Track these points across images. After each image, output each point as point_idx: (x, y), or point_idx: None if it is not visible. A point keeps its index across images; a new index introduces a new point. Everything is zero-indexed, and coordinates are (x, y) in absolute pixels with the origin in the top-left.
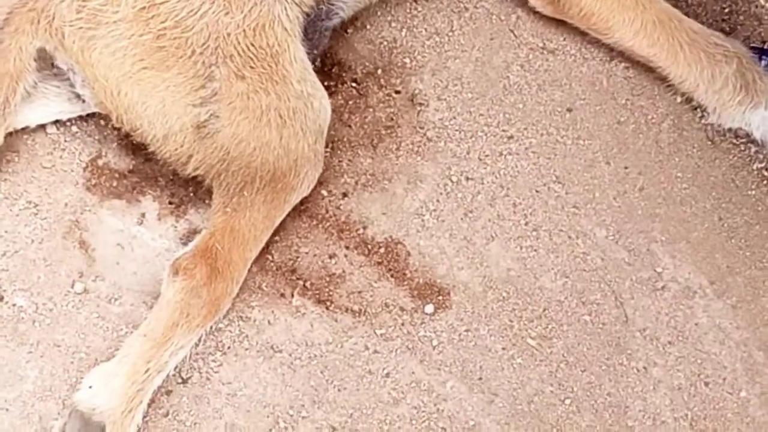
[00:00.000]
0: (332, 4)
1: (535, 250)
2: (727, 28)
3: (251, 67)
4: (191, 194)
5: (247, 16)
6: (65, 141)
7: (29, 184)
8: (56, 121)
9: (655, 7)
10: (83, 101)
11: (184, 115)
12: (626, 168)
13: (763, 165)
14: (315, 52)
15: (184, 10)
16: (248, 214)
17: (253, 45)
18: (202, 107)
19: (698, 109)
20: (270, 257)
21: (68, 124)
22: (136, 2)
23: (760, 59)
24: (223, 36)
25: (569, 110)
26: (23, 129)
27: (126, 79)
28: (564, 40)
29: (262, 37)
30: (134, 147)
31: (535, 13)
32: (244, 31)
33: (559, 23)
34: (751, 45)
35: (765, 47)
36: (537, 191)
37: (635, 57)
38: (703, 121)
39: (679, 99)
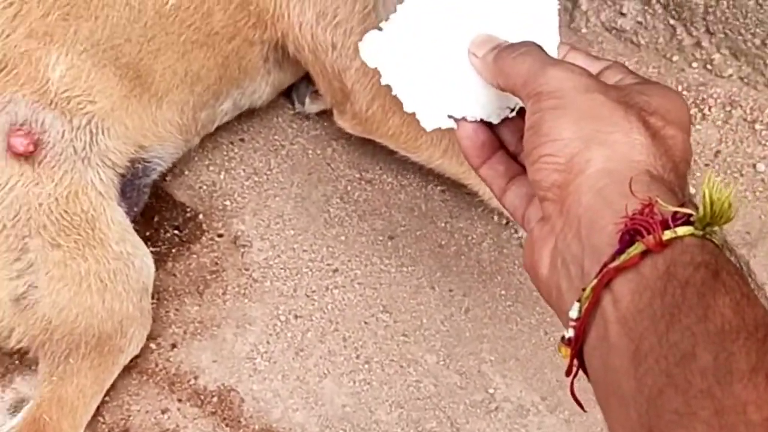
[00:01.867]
0: (148, 162)
1: (369, 383)
2: None
3: (66, 235)
4: (16, 362)
5: (59, 185)
6: None
7: None
8: None
9: None
10: None
11: (1, 289)
12: (451, 291)
13: None
14: (135, 209)
15: None
16: (75, 380)
17: (66, 212)
18: (18, 279)
19: (516, 227)
20: (101, 419)
21: None
22: None
23: None
24: (35, 207)
25: (391, 238)
26: None
27: None
28: (380, 169)
29: (76, 204)
30: None
31: (350, 144)
32: (56, 199)
33: (374, 153)
34: None
35: None
36: (366, 323)
37: (448, 176)
38: (520, 237)
39: (496, 218)
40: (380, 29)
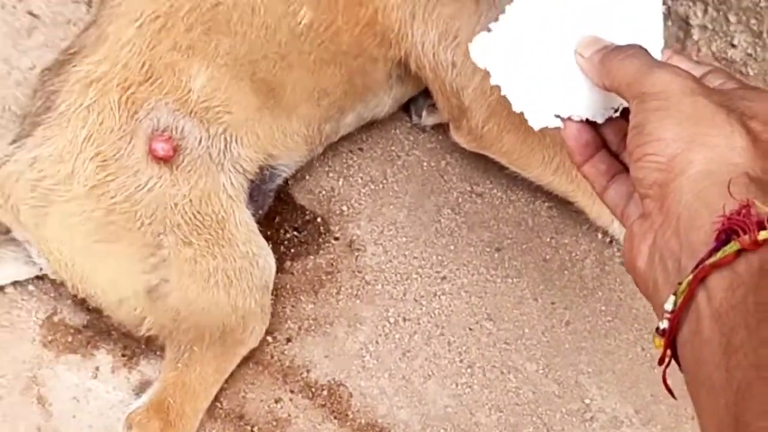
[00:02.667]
0: (275, 169)
1: (470, 387)
2: None
3: (198, 234)
4: (142, 346)
5: (194, 187)
6: (22, 300)
7: None
8: (13, 281)
9: None
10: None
11: (136, 281)
12: (553, 303)
13: None
14: (260, 212)
15: (132, 186)
16: (199, 368)
17: (199, 213)
18: (152, 273)
19: (620, 245)
20: (219, 404)
21: (25, 283)
22: (87, 180)
23: None
24: (171, 207)
25: (498, 249)
26: None
27: (79, 253)
28: (490, 183)
29: (208, 205)
30: (88, 303)
31: (463, 158)
32: (190, 200)
33: (486, 168)
34: None
35: None
36: (470, 329)
37: (556, 193)
38: (622, 255)
39: (600, 236)
40: (489, 30)
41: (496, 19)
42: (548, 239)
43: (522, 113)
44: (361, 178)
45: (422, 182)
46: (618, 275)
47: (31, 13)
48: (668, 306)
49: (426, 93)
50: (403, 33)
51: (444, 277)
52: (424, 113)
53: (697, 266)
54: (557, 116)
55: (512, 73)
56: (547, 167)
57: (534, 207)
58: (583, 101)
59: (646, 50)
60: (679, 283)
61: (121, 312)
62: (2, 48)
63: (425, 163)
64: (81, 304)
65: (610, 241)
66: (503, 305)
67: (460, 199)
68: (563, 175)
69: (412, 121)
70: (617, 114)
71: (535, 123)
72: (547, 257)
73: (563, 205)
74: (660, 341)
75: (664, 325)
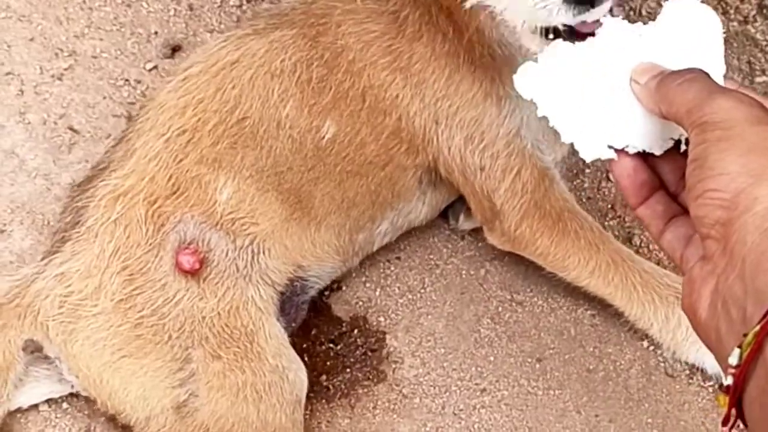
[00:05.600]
0: (306, 280)
1: None
2: None
3: (227, 347)
4: None
5: (221, 300)
6: (56, 417)
7: None
8: (47, 399)
9: (609, 248)
10: None
11: (164, 397)
12: (597, 416)
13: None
14: (293, 325)
15: (160, 299)
16: None
17: (227, 326)
18: (181, 388)
19: (665, 355)
20: None
21: (59, 400)
22: (114, 295)
23: None
24: (198, 320)
25: (539, 360)
26: (16, 409)
27: (107, 368)
28: (531, 291)
29: (237, 318)
30: None
31: (503, 265)
32: (218, 313)
33: (526, 275)
34: None
35: None
36: None
37: (595, 295)
38: (667, 364)
39: (646, 344)
40: (536, 60)
41: (541, 50)
42: (591, 349)
43: (572, 144)
44: (399, 287)
45: (461, 291)
46: (664, 385)
47: (71, 129)
48: (733, 360)
49: (463, 198)
50: (428, 139)
51: (484, 390)
52: (461, 218)
53: (765, 316)
54: (610, 147)
55: (561, 103)
56: (584, 269)
57: (576, 315)
58: (638, 131)
59: (706, 74)
60: (745, 335)
61: (150, 429)
62: (43, 163)
63: (464, 272)
64: (114, 420)
65: (655, 350)
66: (545, 418)
67: (500, 308)
68: (600, 278)
69: (450, 225)
70: (681, 145)
71: (587, 154)
72: (591, 367)
73: (606, 313)
74: (724, 399)
75: (729, 381)
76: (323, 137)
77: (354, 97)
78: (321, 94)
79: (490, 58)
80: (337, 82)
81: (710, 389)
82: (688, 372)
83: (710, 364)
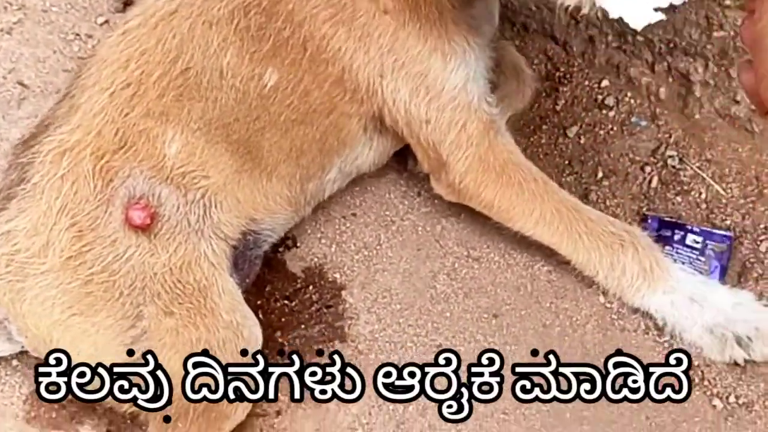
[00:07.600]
0: (259, 234)
1: None
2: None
3: (179, 303)
4: (128, 421)
5: (173, 255)
6: (6, 375)
7: None
8: None
9: (553, 198)
10: None
11: (116, 355)
12: None
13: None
14: (247, 281)
15: (110, 255)
16: None
17: (179, 282)
18: (133, 346)
19: (621, 310)
20: None
21: (8, 358)
22: (62, 252)
23: (673, 233)
24: (150, 276)
25: (495, 316)
26: None
27: (56, 327)
28: (487, 247)
29: (189, 274)
30: None
31: (459, 222)
32: (170, 269)
33: (482, 232)
34: (666, 218)
35: (678, 221)
36: None
37: (541, 243)
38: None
39: (602, 299)
40: None
41: None
42: (548, 304)
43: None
44: (354, 244)
45: (417, 247)
46: (620, 340)
47: (21, 83)
48: None
49: None
50: (373, 90)
51: (439, 345)
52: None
53: None
54: (657, 9)
55: None
56: (528, 219)
57: (533, 271)
58: None
59: None
60: None
61: None
62: None
63: (420, 228)
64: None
65: (611, 306)
66: None
67: (456, 265)
68: (544, 227)
69: (408, 168)
70: None
71: (638, 23)
72: (547, 323)
73: (563, 269)
74: None
75: None
76: (266, 85)
77: (294, 46)
78: (261, 42)
79: (437, 14)
80: (277, 30)
81: (665, 344)
82: (644, 327)
83: (655, 308)
